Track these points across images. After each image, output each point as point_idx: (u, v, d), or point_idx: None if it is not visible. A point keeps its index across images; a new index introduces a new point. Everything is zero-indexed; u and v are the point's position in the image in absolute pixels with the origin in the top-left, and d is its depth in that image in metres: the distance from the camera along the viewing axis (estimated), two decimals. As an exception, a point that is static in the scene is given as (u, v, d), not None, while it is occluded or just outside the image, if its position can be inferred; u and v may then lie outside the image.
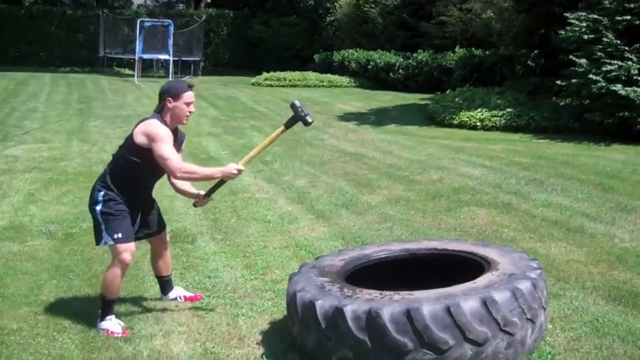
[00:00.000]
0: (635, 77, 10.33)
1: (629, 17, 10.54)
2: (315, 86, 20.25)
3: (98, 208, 3.83)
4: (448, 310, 3.08)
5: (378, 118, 13.94)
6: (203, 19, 26.33)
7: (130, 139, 3.84)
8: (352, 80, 20.70)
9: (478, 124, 12.13)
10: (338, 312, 3.21)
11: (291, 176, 8.26)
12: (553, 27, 12.48)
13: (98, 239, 3.88)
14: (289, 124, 3.97)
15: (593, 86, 10.41)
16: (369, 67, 20.24)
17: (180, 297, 4.31)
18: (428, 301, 3.14)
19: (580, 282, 4.58)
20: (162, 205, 4.57)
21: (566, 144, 10.43)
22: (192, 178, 3.87)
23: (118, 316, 3.99)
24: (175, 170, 3.71)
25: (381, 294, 3.31)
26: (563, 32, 11.18)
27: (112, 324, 3.88)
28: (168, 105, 3.82)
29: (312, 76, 20.96)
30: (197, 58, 24.71)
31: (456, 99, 13.70)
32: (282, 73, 21.05)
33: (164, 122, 3.82)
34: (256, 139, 10.97)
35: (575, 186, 7.41)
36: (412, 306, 3.11)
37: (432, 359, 3.09)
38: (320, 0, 26.30)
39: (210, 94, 18.23)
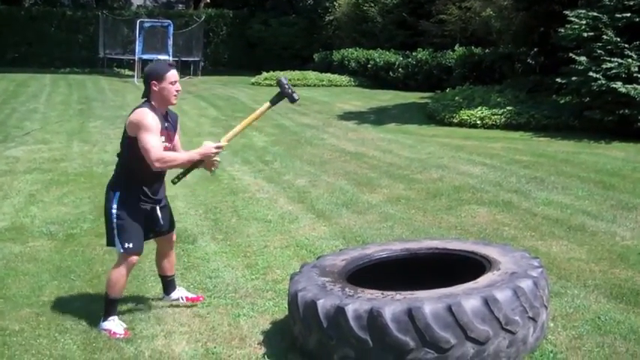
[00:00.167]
0: (635, 75, 10.31)
1: (628, 14, 10.52)
2: (314, 85, 20.22)
3: (114, 210, 3.85)
4: (450, 309, 3.08)
5: (378, 117, 13.92)
6: (202, 19, 26.36)
7: (124, 134, 3.87)
8: (352, 79, 20.68)
9: (478, 122, 12.12)
10: (339, 311, 3.21)
11: (292, 176, 8.26)
12: (553, 25, 12.46)
13: (110, 242, 3.92)
14: (275, 101, 3.95)
15: (593, 84, 10.39)
16: (369, 66, 20.22)
17: (182, 298, 4.31)
18: (429, 300, 3.14)
19: (581, 280, 4.58)
20: (163, 206, 4.56)
21: (567, 142, 10.40)
22: (172, 166, 3.89)
23: (120, 316, 3.99)
24: (154, 161, 3.72)
25: (382, 294, 3.31)
26: (562, 30, 11.16)
27: (114, 324, 3.88)
28: (154, 88, 3.82)
29: (311, 75, 20.93)
30: (197, 58, 24.72)
31: (456, 97, 13.67)
32: (281, 73, 21.00)
33: (153, 108, 3.82)
34: (256, 138, 10.98)
35: (576, 184, 7.40)
36: (414, 305, 3.11)
37: (433, 358, 3.09)
38: (319, -1, 26.34)
39: (210, 94, 18.25)
